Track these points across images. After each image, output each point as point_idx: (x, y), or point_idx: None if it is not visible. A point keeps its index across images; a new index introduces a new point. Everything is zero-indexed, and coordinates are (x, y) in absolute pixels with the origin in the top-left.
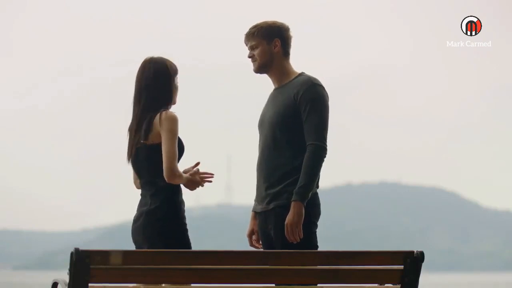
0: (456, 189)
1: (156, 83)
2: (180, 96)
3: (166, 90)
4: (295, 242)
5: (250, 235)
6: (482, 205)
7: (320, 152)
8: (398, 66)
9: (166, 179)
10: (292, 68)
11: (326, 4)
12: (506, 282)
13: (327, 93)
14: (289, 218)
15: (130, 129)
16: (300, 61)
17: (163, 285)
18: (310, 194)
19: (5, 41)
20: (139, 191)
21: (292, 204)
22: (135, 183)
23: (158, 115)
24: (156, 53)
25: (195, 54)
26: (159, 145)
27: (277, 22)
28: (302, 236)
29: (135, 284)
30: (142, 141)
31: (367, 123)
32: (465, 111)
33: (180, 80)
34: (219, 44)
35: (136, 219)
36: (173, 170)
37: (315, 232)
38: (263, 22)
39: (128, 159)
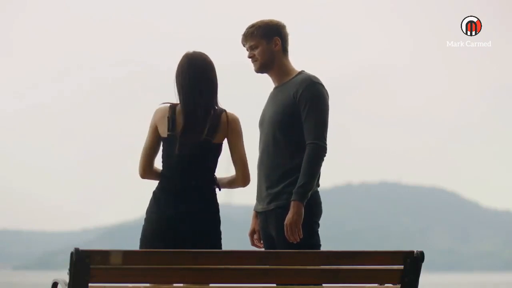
0: (456, 189)
1: (214, 75)
2: None
3: (216, 84)
4: (295, 242)
5: (251, 235)
6: (482, 205)
7: (319, 151)
8: (398, 66)
9: (243, 183)
10: (291, 66)
11: (326, 4)
12: (506, 282)
13: (327, 92)
14: (288, 218)
15: (193, 115)
16: (300, 61)
17: (181, 284)
18: (309, 194)
19: (5, 41)
20: (140, 190)
21: (292, 204)
22: (144, 170)
23: (224, 114)
24: (155, 53)
25: None
26: (221, 146)
27: (273, 20)
28: (302, 236)
29: (149, 284)
30: (206, 137)
31: (367, 123)
32: (465, 111)
33: None
34: (219, 44)
35: (179, 219)
36: (249, 175)
37: (317, 231)
38: (259, 21)
39: (179, 150)
